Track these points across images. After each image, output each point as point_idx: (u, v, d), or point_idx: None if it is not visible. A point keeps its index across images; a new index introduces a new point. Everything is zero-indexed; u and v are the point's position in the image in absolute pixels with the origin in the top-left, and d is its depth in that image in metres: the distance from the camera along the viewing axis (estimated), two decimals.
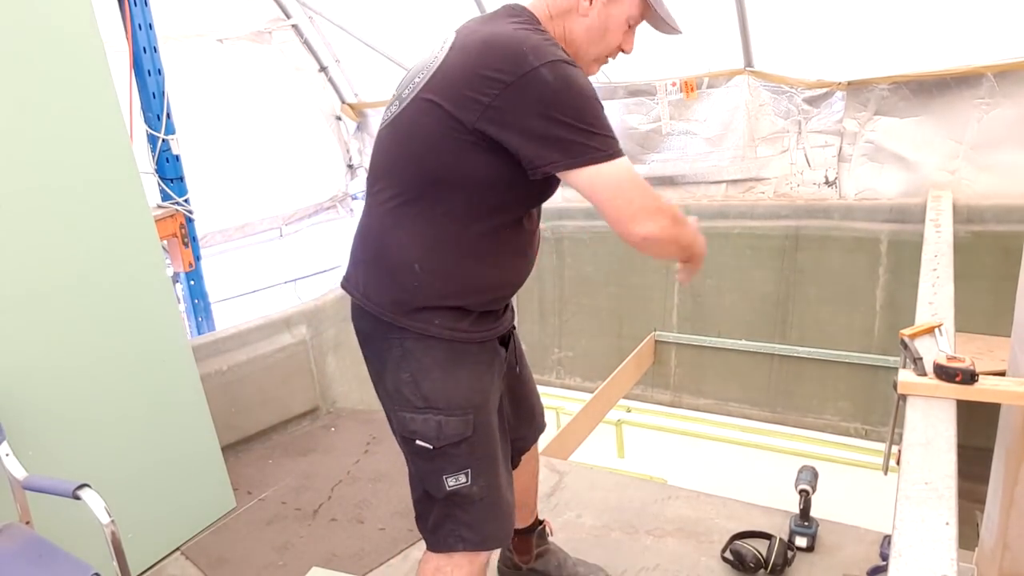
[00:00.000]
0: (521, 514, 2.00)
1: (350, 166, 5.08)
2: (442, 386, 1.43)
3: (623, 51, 1.48)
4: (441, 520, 1.50)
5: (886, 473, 1.63)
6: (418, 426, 1.44)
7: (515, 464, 1.84)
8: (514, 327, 1.67)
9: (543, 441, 3.15)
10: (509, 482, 1.58)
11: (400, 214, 1.39)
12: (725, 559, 2.17)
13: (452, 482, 1.45)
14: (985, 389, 1.35)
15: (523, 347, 1.83)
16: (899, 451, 1.24)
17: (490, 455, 1.50)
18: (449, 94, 1.30)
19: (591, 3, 1.41)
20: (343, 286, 1.53)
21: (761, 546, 2.13)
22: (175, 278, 3.27)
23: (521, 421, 1.80)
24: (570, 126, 1.26)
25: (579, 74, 1.30)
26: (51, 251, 2.03)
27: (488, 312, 1.49)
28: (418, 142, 1.35)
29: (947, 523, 1.02)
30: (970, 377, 1.35)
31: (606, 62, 1.51)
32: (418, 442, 1.45)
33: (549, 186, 1.44)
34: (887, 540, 2.11)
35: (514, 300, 1.81)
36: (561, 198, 4.25)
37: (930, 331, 1.65)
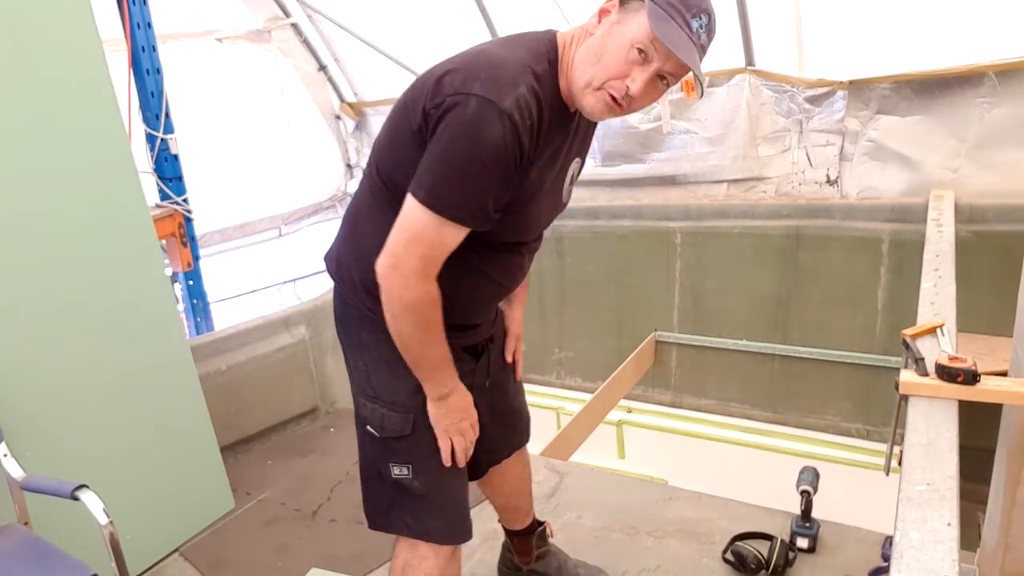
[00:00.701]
0: (514, 517, 2.00)
1: (349, 165, 5.07)
2: (388, 382, 1.47)
3: (629, 90, 1.22)
4: (390, 503, 1.54)
5: (888, 474, 1.62)
6: (367, 413, 1.49)
7: (480, 474, 1.84)
8: (491, 340, 1.63)
9: (543, 442, 3.16)
10: (462, 485, 1.57)
11: (373, 201, 1.42)
12: (726, 560, 2.16)
13: (396, 472, 1.50)
14: (987, 389, 1.34)
15: (513, 360, 1.79)
16: (901, 452, 1.24)
17: (435, 455, 1.50)
18: (414, 94, 1.29)
19: (600, 20, 1.27)
20: (324, 258, 1.57)
21: (762, 547, 2.12)
22: (174, 278, 3.27)
23: (494, 433, 1.76)
24: (440, 158, 1.22)
25: (500, 130, 1.19)
26: (49, 251, 2.03)
27: (450, 324, 1.47)
28: (391, 136, 1.36)
29: (949, 524, 1.02)
30: (972, 377, 1.34)
31: (611, 100, 1.24)
32: (368, 427, 1.50)
33: (504, 217, 1.33)
34: (889, 541, 2.11)
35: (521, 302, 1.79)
36: None
37: (932, 331, 1.65)
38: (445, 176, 1.23)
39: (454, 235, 1.27)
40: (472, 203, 1.24)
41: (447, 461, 1.48)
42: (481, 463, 1.81)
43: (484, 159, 1.20)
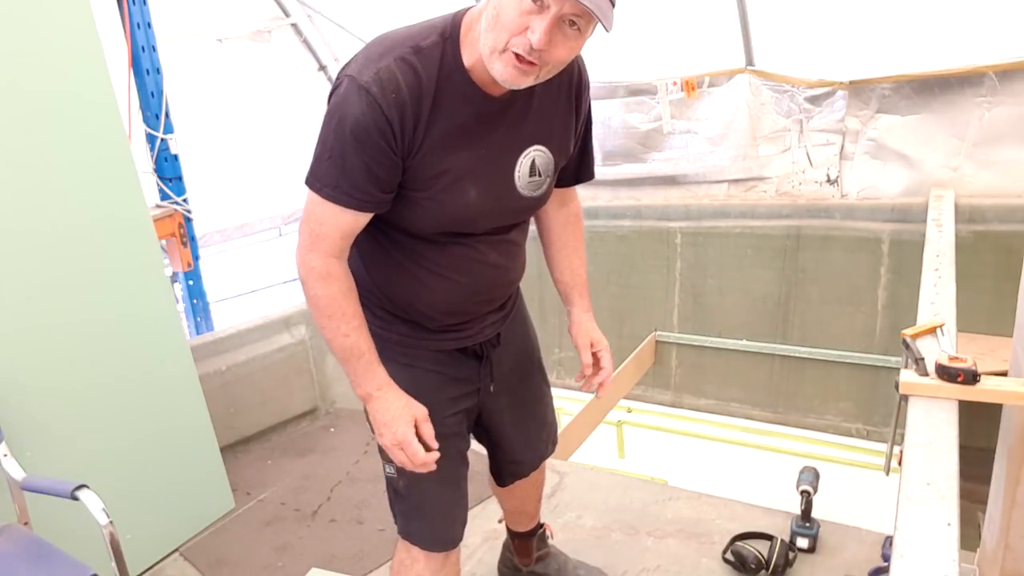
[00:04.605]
0: (520, 519, 2.00)
1: None
2: None
3: (532, 42, 1.12)
4: (392, 500, 1.57)
5: (888, 474, 1.62)
6: (364, 409, 1.49)
7: (505, 484, 1.82)
8: (496, 341, 1.56)
9: None
10: (448, 495, 1.54)
11: None
12: (726, 560, 2.16)
13: (387, 470, 1.51)
14: (987, 389, 1.34)
15: (531, 365, 1.73)
16: (901, 452, 1.24)
17: None
18: None
19: None
20: None
21: (762, 547, 2.12)
22: (174, 278, 3.27)
23: (518, 444, 1.75)
24: (318, 139, 1.25)
25: (359, 105, 1.18)
26: (49, 251, 2.03)
27: (424, 326, 1.46)
28: None
29: (949, 524, 1.02)
30: (972, 377, 1.34)
31: (517, 60, 1.15)
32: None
33: (414, 203, 1.31)
34: (889, 541, 2.11)
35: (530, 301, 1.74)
36: None
37: (932, 331, 1.65)
38: (319, 156, 1.24)
39: (338, 215, 1.26)
40: (346, 182, 1.23)
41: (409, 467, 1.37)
42: (505, 474, 1.80)
43: (347, 136, 1.20)
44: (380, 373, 1.37)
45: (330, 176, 1.23)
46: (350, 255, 1.38)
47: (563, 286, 1.72)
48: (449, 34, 1.24)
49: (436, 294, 1.42)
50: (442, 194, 1.29)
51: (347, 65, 1.25)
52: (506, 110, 1.30)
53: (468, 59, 1.24)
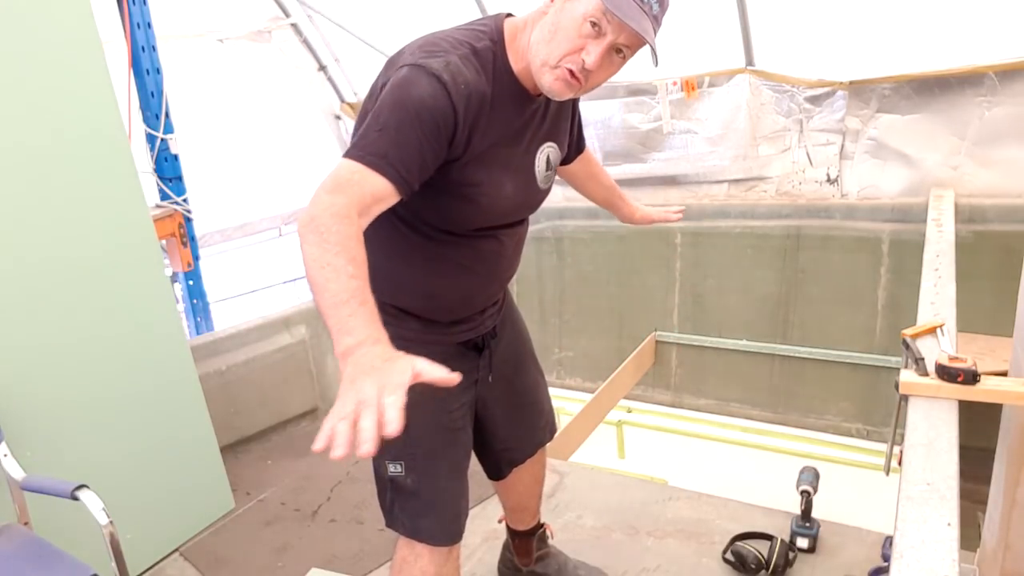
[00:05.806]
0: (521, 517, 2.00)
1: None
2: None
3: (585, 63, 1.21)
4: (392, 501, 1.56)
5: (888, 474, 1.62)
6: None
7: (503, 475, 1.84)
8: (494, 333, 1.61)
9: None
10: (456, 487, 1.57)
11: None
12: (726, 560, 2.16)
13: (391, 468, 1.51)
14: (987, 389, 1.34)
15: (524, 355, 1.78)
16: (901, 452, 1.24)
17: (427, 453, 1.51)
18: (375, 81, 1.33)
19: (553, 0, 1.27)
20: None
21: (762, 547, 2.12)
22: (174, 278, 3.27)
23: (512, 431, 1.77)
24: (369, 120, 1.20)
25: (428, 88, 1.19)
26: (49, 250, 2.03)
27: (436, 321, 1.48)
28: (358, 124, 1.35)
29: (949, 524, 1.02)
30: (972, 377, 1.34)
31: (569, 76, 1.23)
32: None
33: (452, 198, 1.32)
34: (889, 541, 2.11)
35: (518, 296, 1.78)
36: (562, 197, 4.24)
37: (932, 331, 1.65)
38: (367, 130, 1.19)
39: (375, 180, 1.15)
40: (394, 154, 1.17)
41: (321, 443, 0.90)
42: (502, 463, 1.81)
43: (410, 112, 1.18)
44: (367, 319, 1.07)
45: (378, 146, 1.17)
46: (369, 251, 1.39)
47: (605, 203, 1.92)
48: (497, 39, 1.32)
49: (462, 288, 1.47)
50: (491, 188, 1.35)
51: (400, 58, 1.26)
52: (537, 110, 1.40)
53: (515, 64, 1.31)
